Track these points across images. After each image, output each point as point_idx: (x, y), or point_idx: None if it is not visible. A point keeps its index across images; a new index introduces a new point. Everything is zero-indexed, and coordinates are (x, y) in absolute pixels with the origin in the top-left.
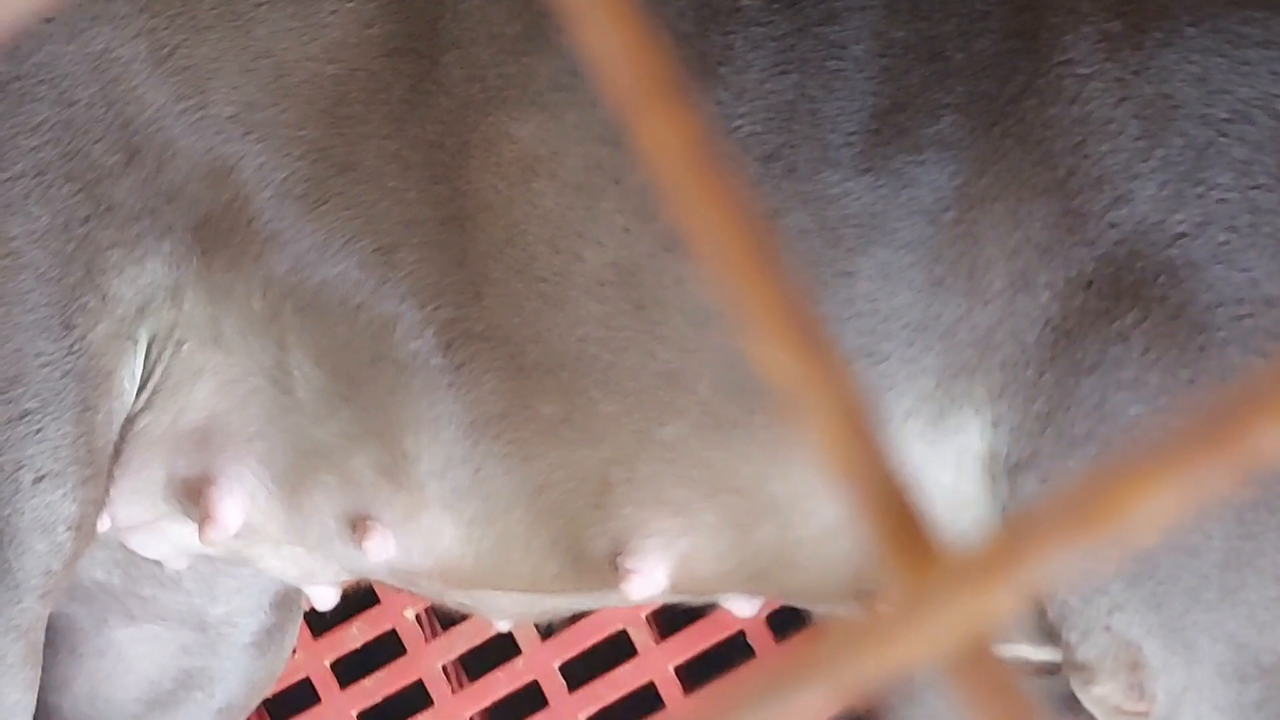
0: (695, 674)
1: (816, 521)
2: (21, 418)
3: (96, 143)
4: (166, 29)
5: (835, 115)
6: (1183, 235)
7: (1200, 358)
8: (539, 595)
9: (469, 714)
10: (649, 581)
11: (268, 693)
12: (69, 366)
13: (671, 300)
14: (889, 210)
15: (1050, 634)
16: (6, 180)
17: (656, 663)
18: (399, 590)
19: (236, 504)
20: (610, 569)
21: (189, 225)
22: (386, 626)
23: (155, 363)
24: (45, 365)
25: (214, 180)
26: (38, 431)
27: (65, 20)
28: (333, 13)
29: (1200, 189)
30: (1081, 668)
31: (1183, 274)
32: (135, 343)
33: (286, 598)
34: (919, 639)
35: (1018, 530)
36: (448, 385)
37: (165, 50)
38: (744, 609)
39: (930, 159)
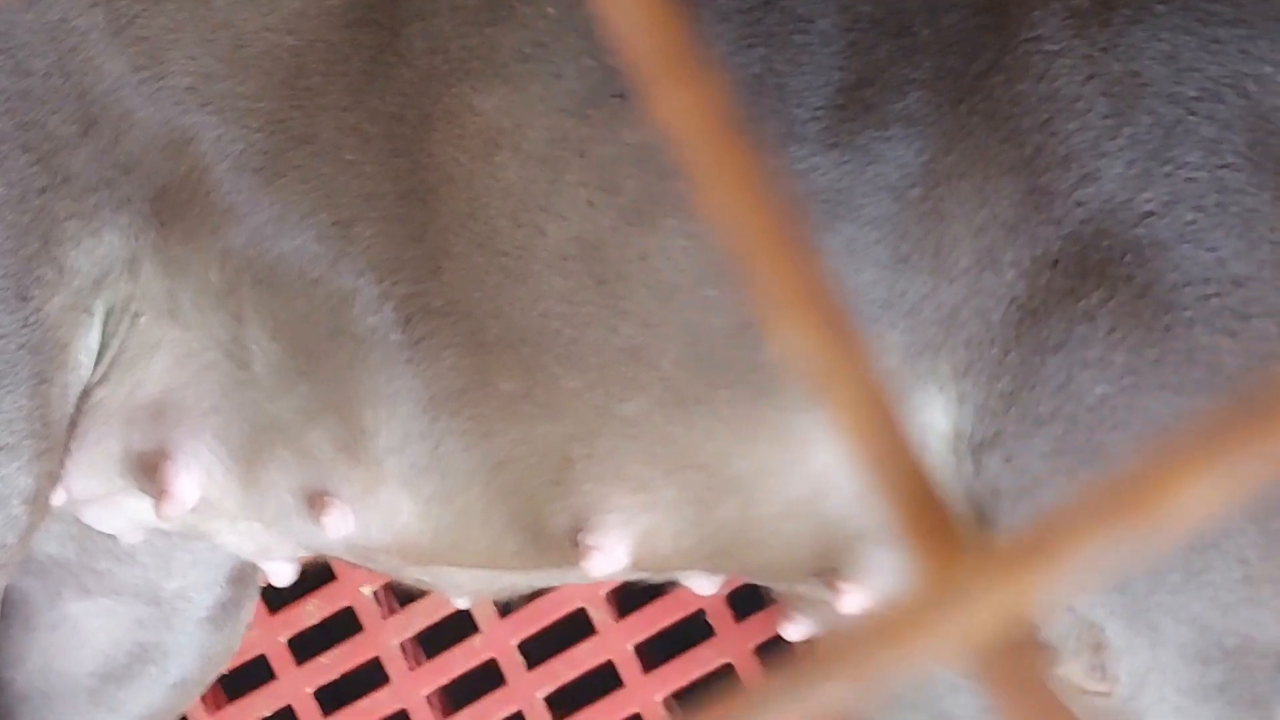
0: (654, 652)
1: (779, 499)
2: None
3: (53, 113)
4: None
5: (801, 90)
6: (1150, 214)
7: (1166, 337)
8: (498, 572)
9: (426, 691)
10: (610, 558)
11: (223, 669)
12: (24, 339)
13: (635, 275)
14: (854, 186)
15: None
16: None
17: (615, 641)
18: (356, 567)
19: (192, 479)
20: (571, 546)
21: (146, 197)
22: (343, 603)
23: (112, 336)
24: (0, 338)
25: (171, 152)
26: None
27: None
28: None
29: (1168, 168)
30: (1044, 647)
31: (1149, 253)
32: (91, 315)
33: (243, 573)
34: (947, 632)
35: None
36: (406, 361)
37: (123, 20)
38: (704, 587)
39: (897, 135)
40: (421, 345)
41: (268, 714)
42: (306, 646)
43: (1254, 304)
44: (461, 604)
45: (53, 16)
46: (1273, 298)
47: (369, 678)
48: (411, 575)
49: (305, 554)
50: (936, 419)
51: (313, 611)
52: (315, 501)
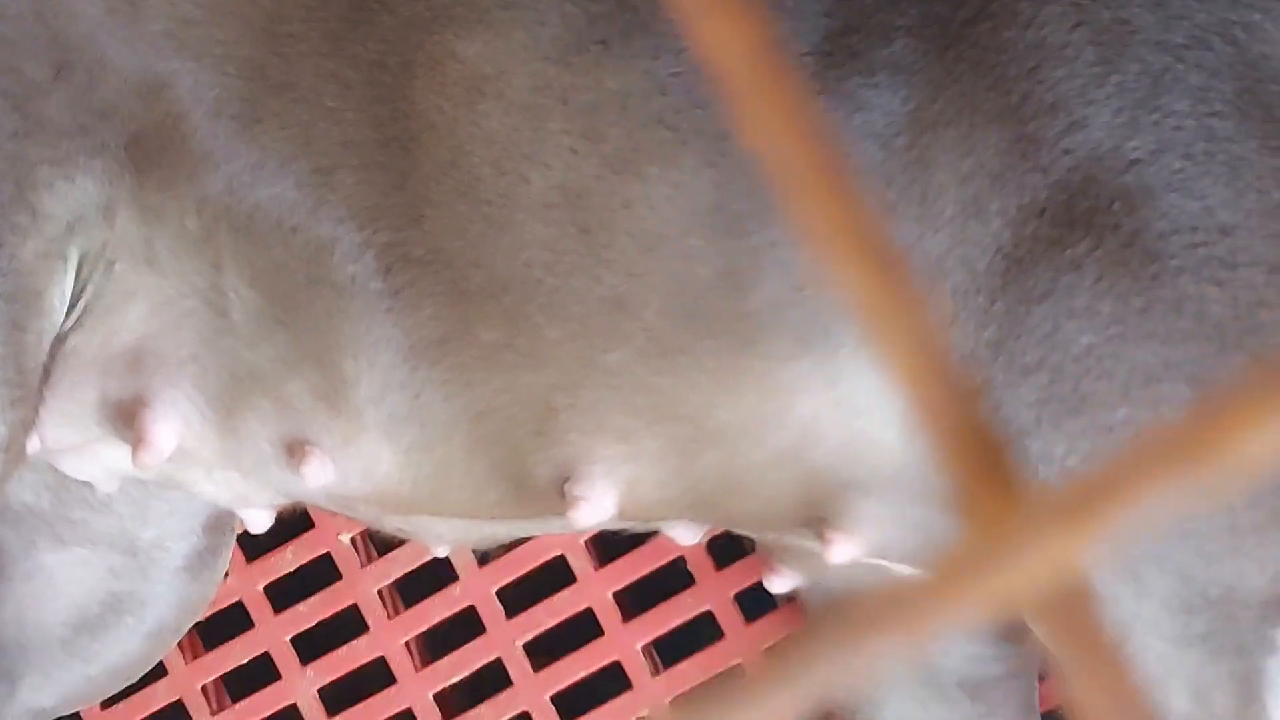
0: (634, 600)
1: (765, 449)
2: None
3: (26, 57)
4: None
5: (787, 37)
6: (1137, 162)
7: (1153, 286)
8: (479, 522)
9: (404, 639)
10: (596, 508)
11: (200, 617)
12: None
13: (619, 224)
14: (840, 134)
15: None
16: None
17: (595, 589)
18: (334, 514)
19: (170, 427)
20: (556, 496)
21: (121, 143)
22: (321, 551)
23: (86, 282)
24: None
25: (147, 98)
26: None
27: None
28: None
29: (1156, 115)
30: None
31: (1137, 201)
32: (66, 261)
33: (219, 521)
34: (1001, 582)
35: (1107, 469)
36: (387, 309)
37: None
38: (687, 537)
39: (882, 82)
40: (402, 294)
41: (245, 662)
42: (284, 594)
43: (1241, 253)
44: (440, 552)
45: None
46: (1259, 246)
47: (348, 625)
48: (391, 524)
49: (283, 502)
50: None
51: (290, 559)
52: (295, 450)
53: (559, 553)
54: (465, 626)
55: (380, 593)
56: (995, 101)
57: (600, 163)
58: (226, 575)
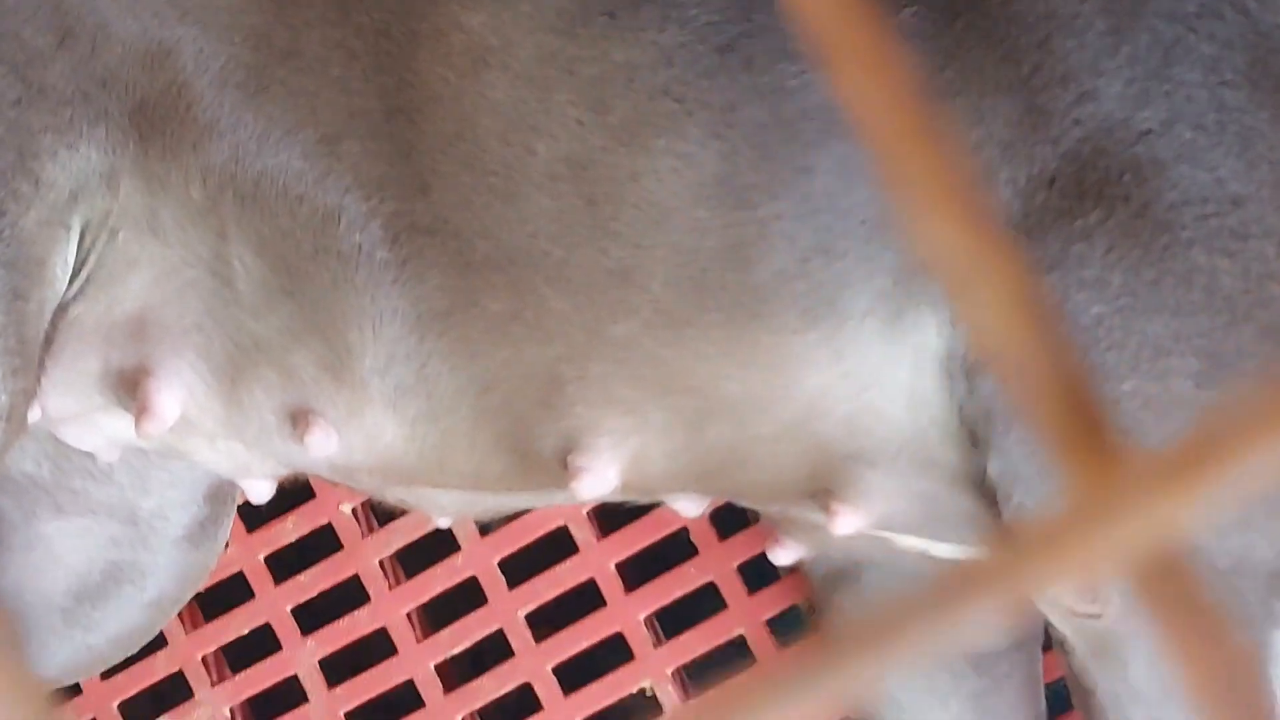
0: (636, 571)
1: (772, 421)
2: None
3: (27, 23)
4: None
5: None
6: (1148, 133)
7: (1164, 257)
8: (481, 493)
9: (406, 610)
10: (600, 480)
11: (200, 587)
12: None
13: (625, 196)
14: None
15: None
16: None
17: (597, 560)
18: (336, 485)
19: (173, 396)
20: (560, 468)
21: (125, 111)
22: (322, 521)
23: (89, 251)
24: None
25: (150, 65)
26: None
27: None
28: None
29: (1167, 86)
30: None
31: (1148, 172)
32: (68, 230)
33: (220, 491)
34: (1101, 547)
35: (1210, 430)
36: (392, 280)
37: None
38: (690, 509)
39: None
40: (408, 264)
41: (245, 632)
42: (285, 565)
43: (1252, 224)
44: (442, 523)
45: None
46: (1271, 218)
47: (349, 596)
48: (394, 495)
49: (285, 472)
50: (930, 339)
51: (291, 529)
52: (299, 420)
53: (561, 524)
54: (467, 597)
55: (381, 563)
56: (1005, 72)
57: (607, 134)
58: (227, 545)
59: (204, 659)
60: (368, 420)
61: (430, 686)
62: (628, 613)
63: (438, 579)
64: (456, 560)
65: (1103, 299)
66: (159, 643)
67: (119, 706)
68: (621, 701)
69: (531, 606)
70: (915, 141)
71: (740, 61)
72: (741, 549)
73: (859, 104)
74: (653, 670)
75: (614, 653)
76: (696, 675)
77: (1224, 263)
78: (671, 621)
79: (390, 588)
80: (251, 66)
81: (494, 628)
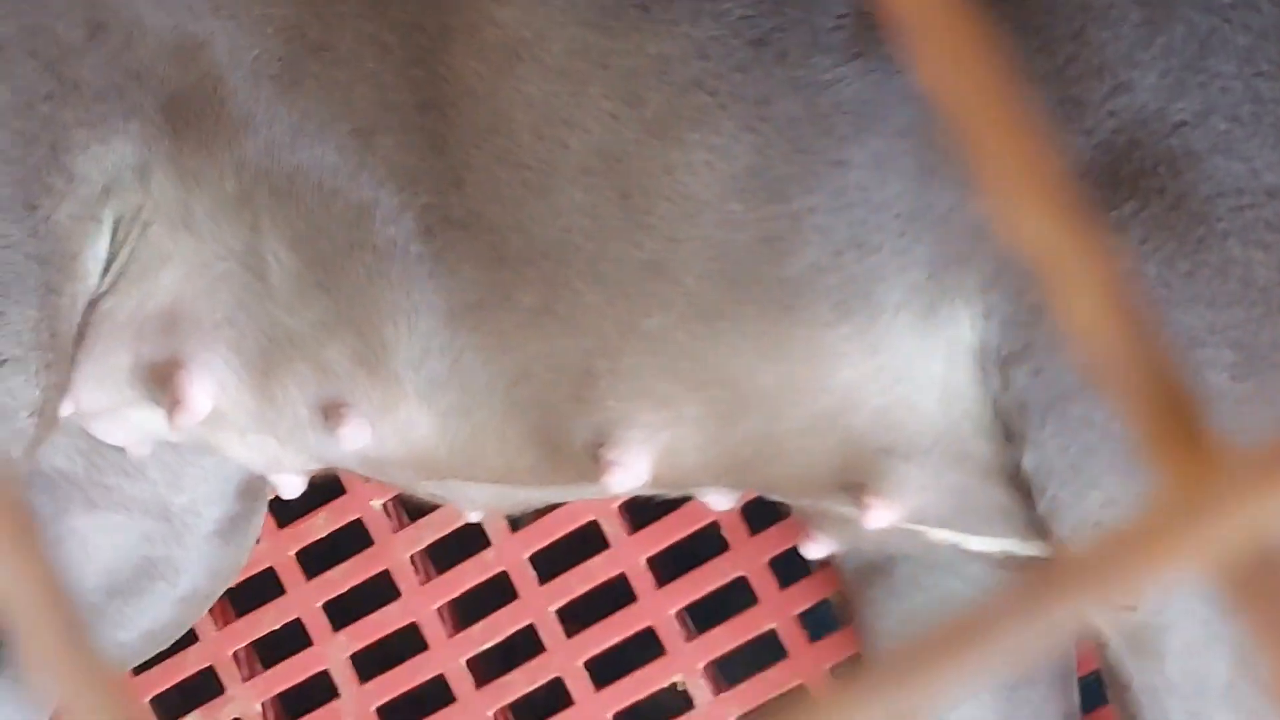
0: (667, 566)
1: (805, 414)
2: None
3: (60, 18)
4: None
5: None
6: (1183, 124)
7: (1199, 249)
8: (512, 487)
9: (436, 605)
10: (631, 474)
11: (231, 582)
12: (32, 249)
13: (658, 189)
14: (881, 97)
15: (1039, 528)
16: None
17: (628, 554)
18: (366, 480)
19: (205, 390)
20: (590, 461)
21: (157, 105)
22: (353, 516)
23: (121, 245)
24: (7, 247)
25: (183, 59)
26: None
27: None
28: None
29: (1202, 77)
30: None
31: (1182, 164)
32: (100, 224)
33: (252, 487)
34: (1194, 544)
35: None
36: (426, 274)
37: None
38: (721, 503)
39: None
40: (442, 257)
41: (276, 628)
42: (316, 560)
43: None
44: (473, 518)
45: None
46: None
47: (379, 591)
48: (425, 489)
49: (316, 467)
50: (963, 332)
51: (322, 525)
52: (331, 414)
53: (592, 518)
54: (498, 592)
55: (412, 558)
56: (1040, 63)
57: (640, 128)
58: (258, 541)
59: (235, 654)
60: (400, 413)
61: (461, 681)
62: (659, 607)
63: (468, 574)
64: (487, 555)
65: (1137, 291)
66: (190, 638)
67: (150, 701)
68: (653, 696)
69: (562, 601)
70: (1006, 133)
71: (774, 55)
72: (773, 543)
73: (949, 96)
74: (684, 665)
75: (645, 647)
76: (728, 670)
77: (1259, 255)
78: (703, 616)
79: (421, 583)
80: (285, 60)
81: (525, 623)
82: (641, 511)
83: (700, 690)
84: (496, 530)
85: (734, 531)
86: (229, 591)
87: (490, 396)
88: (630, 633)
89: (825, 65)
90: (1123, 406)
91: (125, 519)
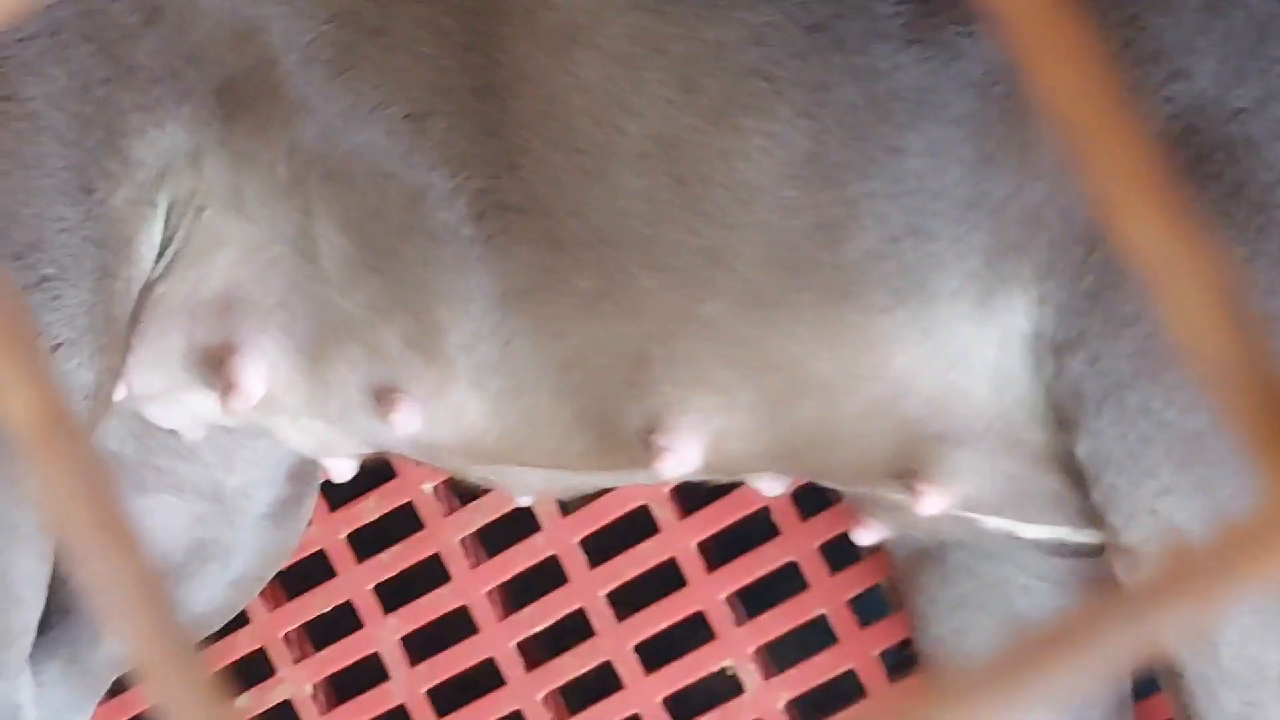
0: (718, 550)
1: (859, 400)
2: (39, 284)
3: (115, 1)
4: None
5: None
6: (1242, 111)
7: (1258, 238)
8: (563, 471)
9: (487, 589)
10: (682, 460)
11: (283, 565)
12: (88, 232)
13: (714, 175)
14: (938, 84)
15: (1093, 516)
16: (22, 40)
17: (679, 539)
18: (417, 463)
19: (259, 373)
20: (643, 446)
21: (211, 89)
22: (404, 500)
23: (175, 229)
24: (64, 230)
25: (238, 43)
26: (55, 298)
27: None
28: None
29: (1261, 64)
30: (1125, 551)
31: (1241, 151)
32: (155, 208)
33: (303, 470)
34: None
35: None
36: (479, 257)
37: None
38: (772, 488)
39: (979, 30)
40: (495, 241)
41: (327, 610)
42: (366, 543)
43: None
44: (523, 502)
45: None
46: None
47: (430, 575)
48: (476, 474)
49: (367, 450)
50: (1018, 320)
51: (372, 508)
52: (384, 398)
53: (642, 503)
54: (548, 576)
55: (463, 542)
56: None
57: (696, 113)
58: (309, 524)
59: (286, 636)
60: (452, 397)
61: (511, 665)
62: (709, 592)
63: (519, 558)
64: (537, 539)
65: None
66: (241, 620)
67: None
68: (702, 680)
69: (612, 585)
70: (1114, 137)
71: (831, 41)
72: (824, 528)
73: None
74: (734, 650)
75: (695, 632)
76: (778, 655)
77: None
78: (753, 601)
79: (471, 566)
80: (340, 44)
81: (575, 606)
82: (692, 496)
83: (750, 675)
84: (547, 514)
85: (785, 516)
86: (280, 574)
87: (542, 381)
88: (680, 617)
89: (884, 52)
90: (1229, 411)
91: (177, 501)
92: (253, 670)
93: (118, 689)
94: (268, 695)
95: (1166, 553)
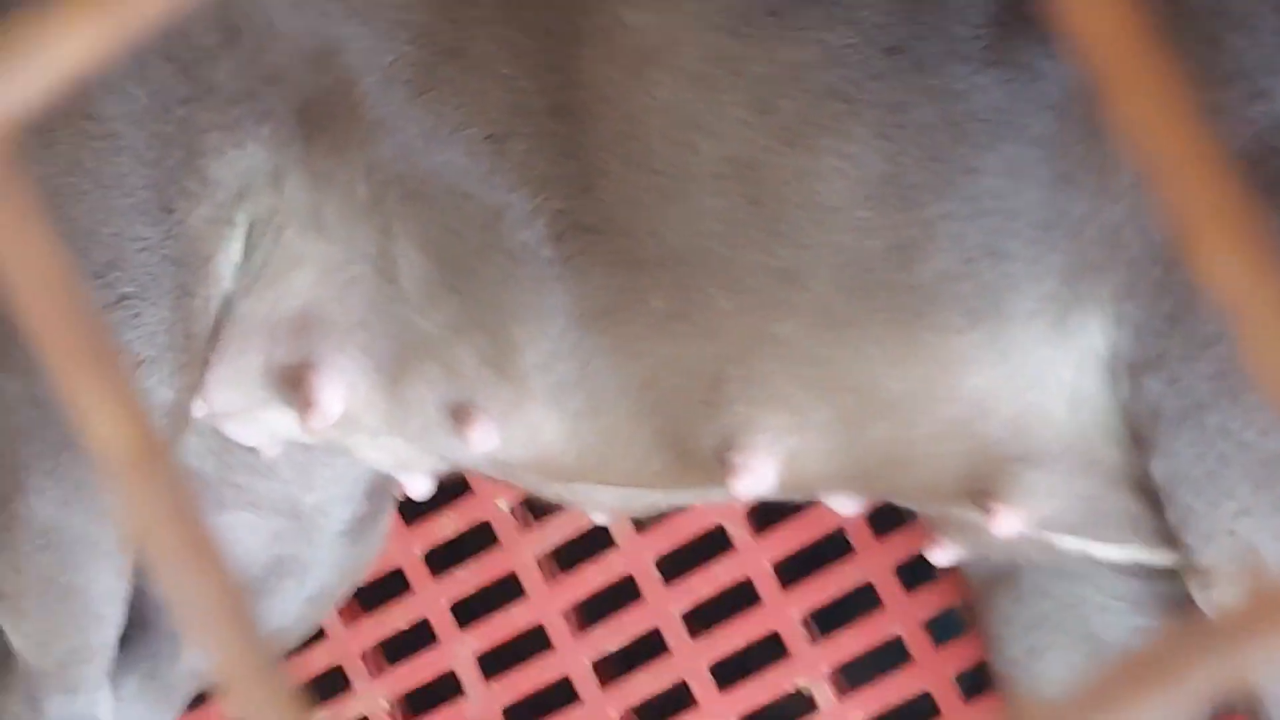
0: (793, 570)
1: (933, 421)
2: (119, 302)
3: (195, 22)
4: None
5: (962, 6)
6: None
7: None
8: (640, 490)
9: (561, 606)
10: (758, 478)
11: (359, 581)
12: (167, 251)
13: (790, 196)
14: (1016, 105)
15: (1168, 537)
16: None
17: (754, 558)
18: (493, 481)
19: (337, 392)
20: (718, 465)
21: (291, 109)
22: (479, 517)
23: (254, 248)
24: (143, 250)
25: (317, 64)
26: (135, 316)
27: None
28: None
29: None
30: (1201, 572)
31: None
32: (234, 227)
33: (380, 486)
34: None
35: None
36: (557, 277)
37: None
38: (846, 506)
39: (1058, 52)
40: (573, 261)
41: (404, 626)
42: (442, 560)
43: None
44: (599, 520)
45: None
46: None
47: (505, 591)
48: (552, 491)
49: (444, 468)
50: (1095, 340)
51: (449, 525)
52: (460, 416)
53: (718, 521)
54: (623, 594)
55: (538, 559)
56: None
57: (772, 134)
58: (386, 540)
59: (362, 652)
60: (529, 416)
61: (586, 682)
62: (784, 611)
63: (594, 576)
64: (612, 557)
65: None
66: (318, 636)
67: None
68: (777, 700)
69: (687, 604)
70: (1192, 159)
71: (910, 63)
72: (899, 548)
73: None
74: (809, 669)
75: (770, 651)
76: (852, 674)
77: None
78: (828, 620)
79: (547, 584)
80: (419, 65)
81: (650, 625)
82: (767, 515)
83: (824, 694)
84: (622, 532)
85: (860, 536)
86: (357, 590)
87: (619, 400)
88: (755, 636)
89: (962, 74)
90: None
91: (255, 518)
92: (329, 686)
93: (195, 703)
94: (344, 711)
95: (1251, 582)
